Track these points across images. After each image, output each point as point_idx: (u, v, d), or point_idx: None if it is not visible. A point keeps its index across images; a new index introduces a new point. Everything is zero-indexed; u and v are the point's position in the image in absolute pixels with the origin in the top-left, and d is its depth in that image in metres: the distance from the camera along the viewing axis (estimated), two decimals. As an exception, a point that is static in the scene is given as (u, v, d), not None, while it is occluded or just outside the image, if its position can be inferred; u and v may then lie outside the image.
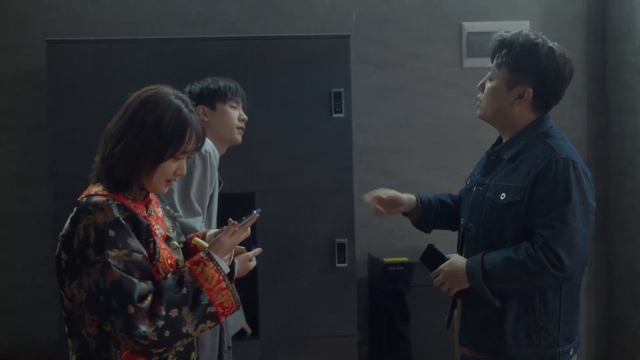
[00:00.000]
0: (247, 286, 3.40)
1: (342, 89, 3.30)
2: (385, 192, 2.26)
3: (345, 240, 3.30)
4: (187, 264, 1.74)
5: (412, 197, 2.28)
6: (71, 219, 1.67)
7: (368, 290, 3.80)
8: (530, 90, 2.02)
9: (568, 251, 1.88)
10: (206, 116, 2.60)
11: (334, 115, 3.30)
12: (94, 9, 3.75)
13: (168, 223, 1.88)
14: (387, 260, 3.47)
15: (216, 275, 1.71)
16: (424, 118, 3.89)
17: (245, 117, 2.72)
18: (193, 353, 1.84)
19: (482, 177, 2.12)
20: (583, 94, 3.97)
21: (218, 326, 2.50)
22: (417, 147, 3.90)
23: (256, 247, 2.40)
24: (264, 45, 3.32)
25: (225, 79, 2.70)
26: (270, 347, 3.31)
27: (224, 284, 1.72)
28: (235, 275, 2.36)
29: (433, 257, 2.12)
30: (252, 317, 3.32)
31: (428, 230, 2.38)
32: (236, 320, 2.96)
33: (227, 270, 1.76)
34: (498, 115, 2.10)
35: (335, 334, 3.32)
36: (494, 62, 2.06)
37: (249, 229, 1.85)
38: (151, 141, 1.70)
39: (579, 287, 2.06)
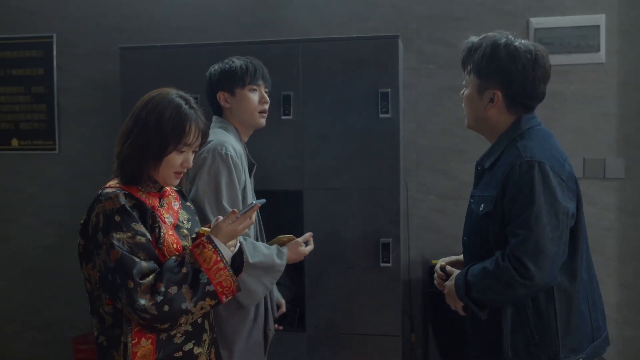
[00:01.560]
0: (295, 280, 3.50)
1: (389, 90, 3.29)
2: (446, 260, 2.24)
3: (390, 240, 3.30)
4: (190, 247, 1.88)
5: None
6: (88, 209, 1.87)
7: (421, 291, 3.76)
8: (499, 93, 1.96)
9: (534, 258, 1.79)
10: (227, 102, 2.53)
11: (381, 116, 3.30)
12: (166, 16, 4.04)
13: (184, 216, 2.04)
14: (433, 262, 3.40)
15: (214, 256, 1.84)
16: (486, 118, 3.76)
17: (267, 99, 2.56)
18: (205, 335, 1.96)
19: (473, 189, 2.09)
20: (664, 91, 3.67)
21: (262, 309, 2.53)
22: (478, 147, 3.73)
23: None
24: (315, 47, 3.40)
25: (244, 59, 2.56)
26: (316, 341, 3.39)
27: (221, 264, 1.84)
28: (281, 262, 2.41)
29: (447, 276, 2.13)
30: (299, 311, 3.43)
31: None
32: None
33: (226, 252, 1.87)
34: (479, 122, 2.05)
35: (378, 333, 3.32)
36: (465, 70, 2.02)
37: (253, 217, 1.95)
38: (154, 136, 1.88)
39: (577, 292, 1.93)
